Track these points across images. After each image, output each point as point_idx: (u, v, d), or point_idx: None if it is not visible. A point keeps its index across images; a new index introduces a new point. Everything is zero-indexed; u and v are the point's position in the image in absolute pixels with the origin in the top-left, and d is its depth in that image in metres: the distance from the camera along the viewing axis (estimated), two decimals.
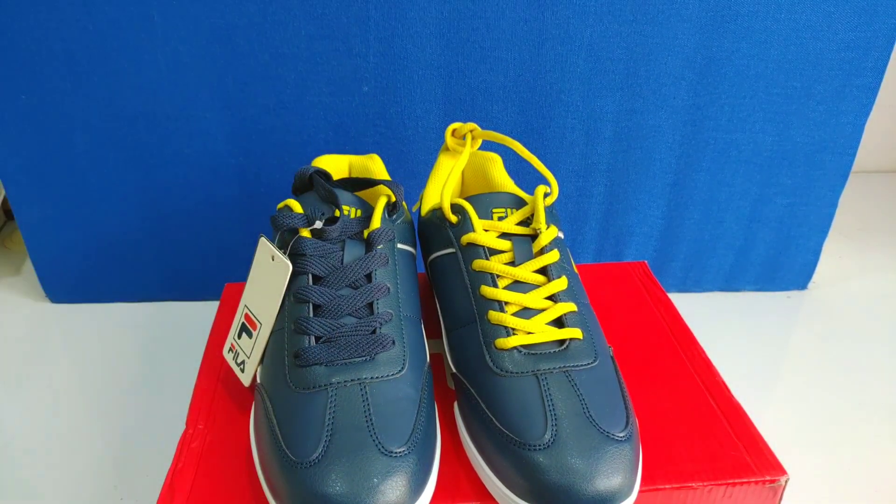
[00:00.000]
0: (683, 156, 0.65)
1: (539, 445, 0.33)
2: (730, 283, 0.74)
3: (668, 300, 0.53)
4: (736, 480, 0.37)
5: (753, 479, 0.37)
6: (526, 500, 0.33)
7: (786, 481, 0.37)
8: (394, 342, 0.38)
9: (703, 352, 0.47)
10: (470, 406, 0.38)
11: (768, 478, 0.37)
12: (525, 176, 0.66)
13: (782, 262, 0.73)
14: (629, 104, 0.62)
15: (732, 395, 0.43)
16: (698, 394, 0.43)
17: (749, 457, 0.38)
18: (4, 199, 0.77)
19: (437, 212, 0.45)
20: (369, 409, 0.34)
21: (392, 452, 0.33)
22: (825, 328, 0.69)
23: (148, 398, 0.59)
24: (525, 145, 0.60)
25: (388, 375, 0.36)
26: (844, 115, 0.63)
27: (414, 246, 0.46)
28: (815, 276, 0.75)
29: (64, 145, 0.62)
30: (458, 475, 0.37)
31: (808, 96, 0.62)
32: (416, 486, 0.33)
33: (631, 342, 0.48)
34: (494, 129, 0.62)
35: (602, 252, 0.71)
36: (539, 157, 0.64)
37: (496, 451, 0.35)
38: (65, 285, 0.71)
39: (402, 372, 0.37)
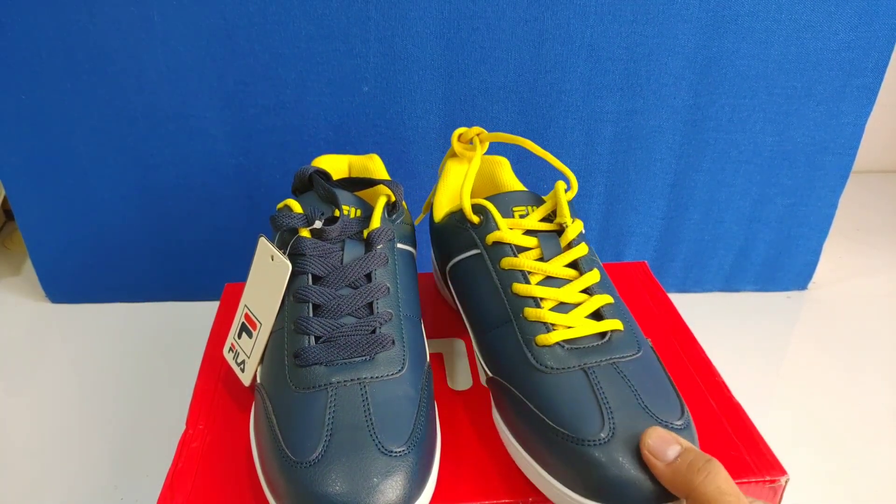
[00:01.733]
0: (683, 156, 0.65)
1: (597, 441, 0.32)
2: (730, 283, 0.74)
3: (668, 300, 0.53)
4: (736, 480, 0.37)
5: (753, 479, 0.37)
6: (586, 497, 0.32)
7: (786, 481, 0.37)
8: (393, 342, 0.38)
9: (703, 352, 0.47)
10: (515, 407, 0.37)
11: (768, 478, 0.37)
12: (530, 178, 0.66)
13: (782, 262, 0.73)
14: (629, 104, 0.62)
15: (732, 395, 0.43)
16: (698, 394, 0.43)
17: (749, 457, 0.38)
18: (4, 199, 0.77)
19: (456, 215, 0.44)
20: (369, 409, 0.34)
21: (392, 452, 0.33)
22: (825, 328, 0.69)
23: (148, 398, 0.59)
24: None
25: (387, 375, 0.36)
26: (844, 115, 0.63)
27: (414, 246, 0.46)
28: (815, 276, 0.75)
29: (64, 145, 0.62)
30: (458, 474, 0.37)
31: (809, 96, 0.62)
32: (416, 486, 0.33)
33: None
34: (494, 130, 0.62)
35: (602, 252, 0.71)
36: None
37: (549, 449, 0.34)
38: (65, 285, 0.71)
39: (402, 372, 0.37)
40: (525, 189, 0.49)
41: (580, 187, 0.67)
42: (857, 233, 0.87)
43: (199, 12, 0.56)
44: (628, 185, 0.67)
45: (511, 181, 0.49)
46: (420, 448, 0.34)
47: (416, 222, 0.55)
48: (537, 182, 0.66)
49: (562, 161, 0.64)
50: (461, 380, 0.46)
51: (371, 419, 0.34)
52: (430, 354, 0.42)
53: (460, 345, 0.49)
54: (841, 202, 0.69)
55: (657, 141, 0.64)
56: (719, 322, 0.70)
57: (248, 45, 0.58)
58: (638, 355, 0.37)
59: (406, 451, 0.33)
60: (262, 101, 0.60)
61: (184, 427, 0.41)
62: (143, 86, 0.59)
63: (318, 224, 0.41)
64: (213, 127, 0.62)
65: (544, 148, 0.63)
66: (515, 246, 0.41)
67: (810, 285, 0.75)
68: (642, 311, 0.52)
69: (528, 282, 0.39)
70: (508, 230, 0.41)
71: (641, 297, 0.54)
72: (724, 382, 0.44)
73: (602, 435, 0.33)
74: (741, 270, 0.73)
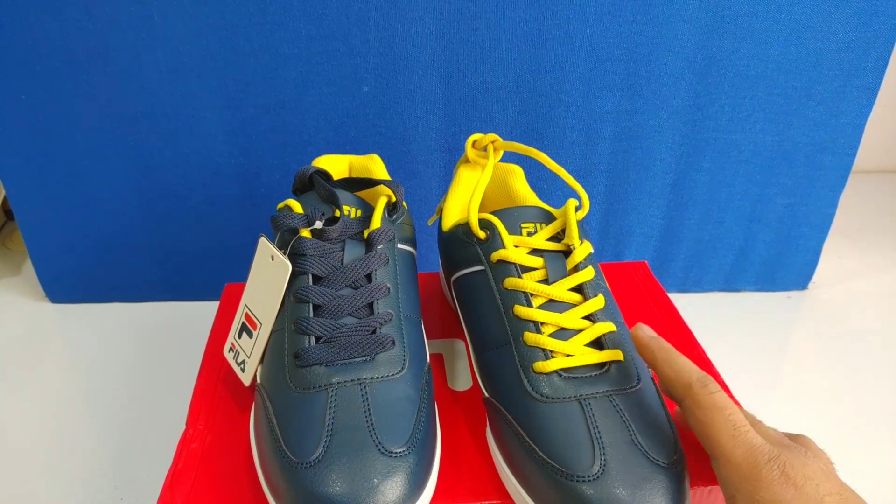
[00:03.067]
0: (683, 156, 0.65)
1: (588, 477, 0.32)
2: (730, 283, 0.74)
3: (668, 300, 0.53)
4: None
5: None
6: None
7: None
8: (394, 342, 0.38)
9: (703, 352, 0.47)
10: (508, 433, 0.36)
11: None
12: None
13: (782, 262, 0.73)
14: (629, 104, 0.62)
15: (732, 395, 0.43)
16: None
17: None
18: (4, 199, 0.77)
19: (463, 227, 0.43)
20: (369, 410, 0.34)
21: (392, 452, 0.33)
22: (825, 328, 0.69)
23: (148, 398, 0.59)
24: (525, 145, 0.60)
25: (388, 375, 0.36)
26: (844, 115, 0.63)
27: (414, 246, 0.46)
28: (815, 276, 0.75)
29: (64, 145, 0.62)
30: (458, 475, 0.37)
31: (808, 96, 0.62)
32: (416, 487, 0.33)
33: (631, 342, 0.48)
34: (494, 130, 0.62)
35: (602, 252, 0.71)
36: None
37: (540, 481, 0.33)
38: (65, 285, 0.71)
39: (402, 372, 0.37)
40: (537, 201, 0.48)
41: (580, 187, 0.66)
42: (857, 233, 0.87)
43: (199, 12, 0.56)
44: (628, 185, 0.67)
45: (524, 191, 0.49)
46: (420, 449, 0.34)
47: (430, 223, 0.55)
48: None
49: (561, 161, 0.65)
50: (461, 380, 0.46)
51: (371, 420, 0.34)
52: (431, 355, 0.42)
53: (460, 345, 0.49)
54: (841, 202, 0.69)
55: (657, 141, 0.64)
56: (719, 322, 0.70)
57: (248, 45, 0.58)
58: (637, 388, 0.36)
59: (406, 452, 0.33)
60: (262, 101, 0.60)
61: (184, 427, 0.41)
62: (143, 86, 0.59)
63: (318, 224, 0.41)
64: (213, 127, 0.62)
65: (544, 147, 0.64)
66: (520, 265, 0.40)
67: (810, 285, 0.75)
68: (642, 311, 0.52)
69: (529, 304, 0.38)
70: (514, 248, 0.40)
71: (641, 297, 0.54)
72: (724, 382, 0.44)
73: (593, 471, 0.32)
74: (741, 270, 0.73)
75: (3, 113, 0.60)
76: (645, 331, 0.36)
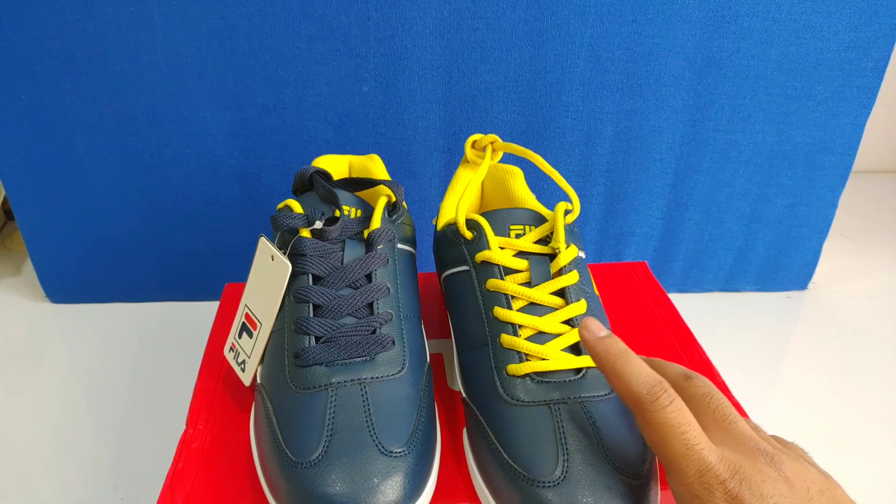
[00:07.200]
0: (683, 156, 0.65)
1: (549, 482, 0.31)
2: (730, 283, 0.74)
3: (668, 300, 0.53)
4: None
5: None
6: None
7: None
8: (394, 342, 0.38)
9: (703, 352, 0.47)
10: (479, 435, 0.36)
11: None
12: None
13: (782, 262, 0.73)
14: (629, 104, 0.62)
15: (732, 395, 0.43)
16: None
17: None
18: (4, 199, 0.77)
19: (452, 227, 0.43)
20: (369, 409, 0.34)
21: (392, 452, 0.33)
22: (825, 328, 0.69)
23: (148, 398, 0.59)
24: (525, 145, 0.60)
25: (388, 375, 0.36)
26: (844, 116, 0.63)
27: (414, 246, 0.46)
28: (815, 276, 0.75)
29: (64, 145, 0.62)
30: (457, 475, 0.37)
31: (809, 96, 0.62)
32: (416, 486, 0.33)
33: (631, 342, 0.48)
34: (494, 130, 0.62)
35: (602, 252, 0.71)
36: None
37: (505, 485, 0.33)
38: (65, 285, 0.71)
39: (402, 372, 0.37)
40: (536, 203, 0.48)
41: (580, 187, 0.67)
42: (857, 233, 0.87)
43: (199, 12, 0.56)
44: (628, 185, 0.67)
45: (523, 193, 0.48)
46: (420, 448, 0.34)
47: (434, 222, 0.55)
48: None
49: (561, 161, 0.65)
50: None
51: (371, 420, 0.34)
52: (430, 354, 0.42)
53: None
54: (841, 202, 0.69)
55: (657, 141, 0.64)
56: (719, 322, 0.70)
57: (248, 45, 0.58)
58: (610, 396, 0.35)
59: (406, 452, 0.33)
60: (262, 101, 0.60)
61: (184, 427, 0.41)
62: (143, 86, 0.59)
63: (318, 224, 0.41)
64: (213, 127, 0.62)
65: (544, 147, 0.64)
66: (504, 267, 0.39)
67: (810, 285, 0.75)
68: (642, 311, 0.52)
69: (510, 306, 0.38)
70: (499, 250, 0.40)
71: (641, 297, 0.54)
72: (724, 382, 0.44)
73: (554, 476, 0.32)
74: (741, 270, 0.73)
75: (3, 113, 0.60)
76: (591, 330, 0.33)
